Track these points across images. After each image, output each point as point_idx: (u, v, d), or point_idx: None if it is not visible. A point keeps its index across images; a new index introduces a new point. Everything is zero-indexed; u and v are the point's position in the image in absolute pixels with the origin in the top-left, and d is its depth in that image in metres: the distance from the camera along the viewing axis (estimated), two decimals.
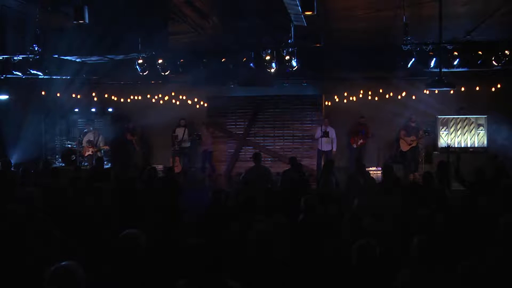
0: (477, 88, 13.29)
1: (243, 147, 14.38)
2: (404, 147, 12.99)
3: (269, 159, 13.83)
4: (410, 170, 12.68)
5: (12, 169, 9.86)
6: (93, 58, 12.30)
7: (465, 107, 13.23)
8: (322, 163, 12.62)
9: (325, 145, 12.91)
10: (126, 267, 3.71)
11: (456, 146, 12.79)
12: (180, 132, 13.73)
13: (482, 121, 12.91)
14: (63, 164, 14.17)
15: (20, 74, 11.32)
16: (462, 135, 12.98)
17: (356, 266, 3.92)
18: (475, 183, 7.23)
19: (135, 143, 14.28)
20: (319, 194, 7.50)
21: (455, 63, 10.38)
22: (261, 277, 3.95)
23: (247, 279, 3.69)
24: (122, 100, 14.96)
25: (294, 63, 10.62)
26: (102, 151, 13.75)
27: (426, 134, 12.76)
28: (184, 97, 14.89)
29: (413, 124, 13.00)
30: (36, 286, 3.28)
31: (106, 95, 14.86)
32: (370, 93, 14.02)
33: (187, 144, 13.90)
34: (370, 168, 12.75)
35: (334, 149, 12.93)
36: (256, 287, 3.81)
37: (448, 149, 9.07)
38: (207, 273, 3.33)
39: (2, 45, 10.92)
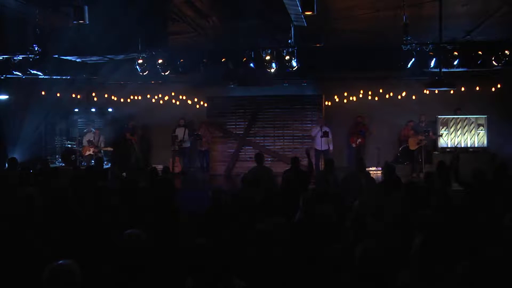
0: (477, 88, 13.29)
1: (243, 147, 14.38)
2: (412, 145, 12.97)
3: (269, 159, 13.82)
4: (416, 169, 12.67)
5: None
6: (93, 58, 12.32)
7: (462, 108, 13.20)
8: (321, 162, 12.64)
9: (324, 144, 12.93)
10: (126, 267, 3.70)
11: (456, 146, 12.77)
12: (180, 132, 13.73)
13: (482, 121, 12.88)
14: (63, 164, 14.16)
15: (20, 74, 11.32)
16: (462, 135, 12.96)
17: (357, 267, 3.91)
18: (473, 184, 7.21)
19: (135, 143, 14.27)
20: (318, 193, 7.48)
21: (455, 63, 10.38)
22: (261, 277, 3.95)
23: (247, 279, 3.68)
24: (122, 100, 14.96)
25: (294, 63, 10.63)
26: (102, 151, 13.75)
27: (426, 134, 12.75)
28: (184, 97, 14.89)
29: (422, 124, 13.00)
30: (36, 285, 3.27)
31: (106, 95, 14.86)
32: (370, 93, 14.03)
33: (187, 144, 13.90)
34: (370, 168, 12.74)
35: (331, 148, 12.93)
36: (256, 287, 3.81)
37: (455, 149, 9.06)
38: (213, 272, 3.32)
39: (2, 45, 10.92)
